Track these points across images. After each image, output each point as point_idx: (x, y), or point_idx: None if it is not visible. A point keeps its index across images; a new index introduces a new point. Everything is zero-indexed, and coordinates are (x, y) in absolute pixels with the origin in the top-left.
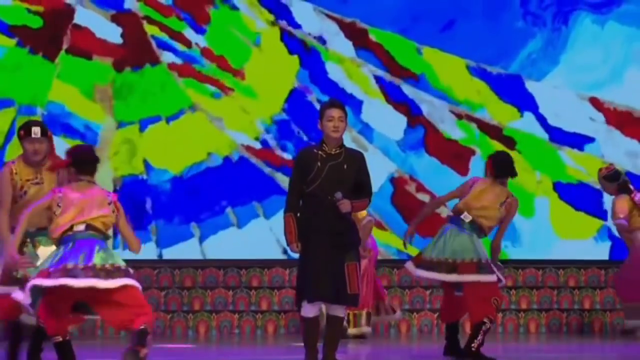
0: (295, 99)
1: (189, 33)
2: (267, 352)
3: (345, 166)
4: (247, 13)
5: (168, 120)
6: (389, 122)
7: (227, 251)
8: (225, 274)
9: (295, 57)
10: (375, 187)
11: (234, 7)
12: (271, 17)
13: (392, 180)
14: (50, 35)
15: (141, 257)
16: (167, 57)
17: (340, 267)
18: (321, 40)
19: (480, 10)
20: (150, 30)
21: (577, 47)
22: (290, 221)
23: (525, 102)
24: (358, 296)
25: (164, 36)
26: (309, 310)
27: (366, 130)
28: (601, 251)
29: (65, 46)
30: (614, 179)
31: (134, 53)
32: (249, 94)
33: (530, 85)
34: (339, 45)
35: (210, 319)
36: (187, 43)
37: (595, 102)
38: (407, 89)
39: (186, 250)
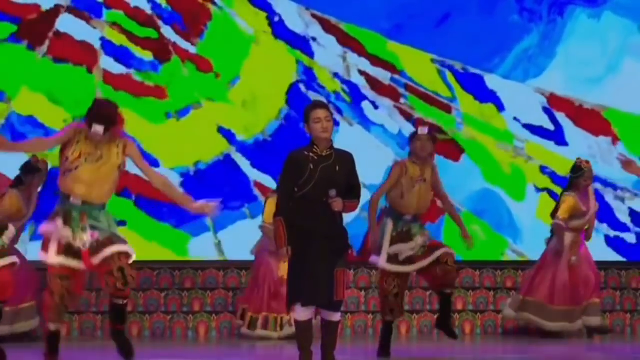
0: (293, 96)
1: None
2: (267, 352)
3: (337, 167)
4: (236, 16)
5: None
6: (385, 116)
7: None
8: (225, 275)
9: (292, 58)
10: (376, 180)
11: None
12: (264, 18)
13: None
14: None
15: (138, 258)
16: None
17: (331, 272)
18: (312, 39)
19: (476, 8)
20: (114, 37)
21: (573, 43)
22: (280, 225)
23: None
24: (342, 303)
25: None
26: (302, 313)
27: (364, 123)
28: (601, 252)
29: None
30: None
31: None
32: (226, 101)
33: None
34: (330, 44)
35: (210, 320)
36: (166, 52)
37: (567, 103)
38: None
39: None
